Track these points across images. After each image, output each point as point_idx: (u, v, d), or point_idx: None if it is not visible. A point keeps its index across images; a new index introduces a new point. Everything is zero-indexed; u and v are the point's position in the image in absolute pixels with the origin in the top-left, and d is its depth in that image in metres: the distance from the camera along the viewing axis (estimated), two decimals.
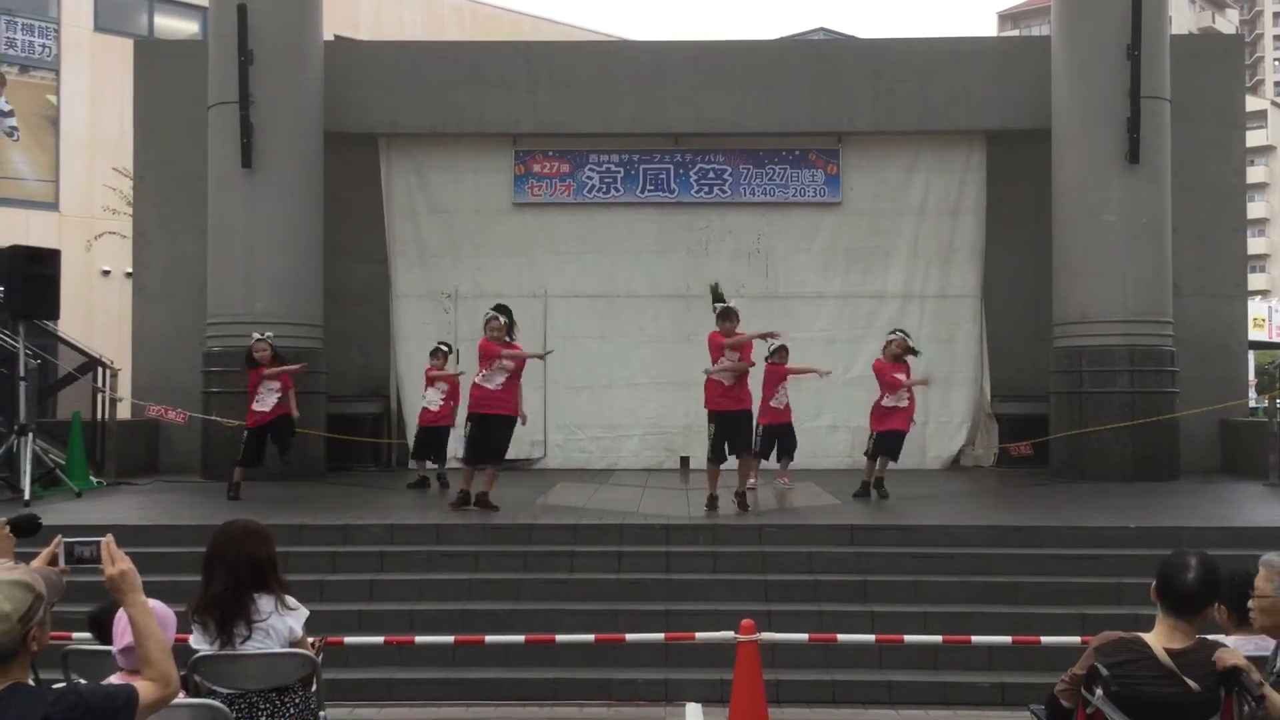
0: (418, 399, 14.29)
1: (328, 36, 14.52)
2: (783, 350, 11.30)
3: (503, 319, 9.61)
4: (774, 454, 11.55)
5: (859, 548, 8.45)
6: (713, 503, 9.50)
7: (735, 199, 14.59)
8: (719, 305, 9.76)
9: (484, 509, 9.43)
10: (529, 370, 13.68)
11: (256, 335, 10.99)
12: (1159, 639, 3.65)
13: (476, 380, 9.64)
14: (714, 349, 9.60)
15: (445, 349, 12.10)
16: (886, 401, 10.51)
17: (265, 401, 10.73)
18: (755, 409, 10.21)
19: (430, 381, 11.82)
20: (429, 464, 11.99)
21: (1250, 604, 3.85)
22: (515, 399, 9.66)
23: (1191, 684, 3.54)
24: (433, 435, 11.84)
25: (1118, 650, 3.65)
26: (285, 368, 10.84)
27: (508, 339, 9.63)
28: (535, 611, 7.74)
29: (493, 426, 9.55)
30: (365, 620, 7.65)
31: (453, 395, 11.74)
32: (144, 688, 2.90)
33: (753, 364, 9.79)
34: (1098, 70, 12.55)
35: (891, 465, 10.82)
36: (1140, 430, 12.21)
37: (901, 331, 10.93)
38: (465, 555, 8.43)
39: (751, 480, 10.38)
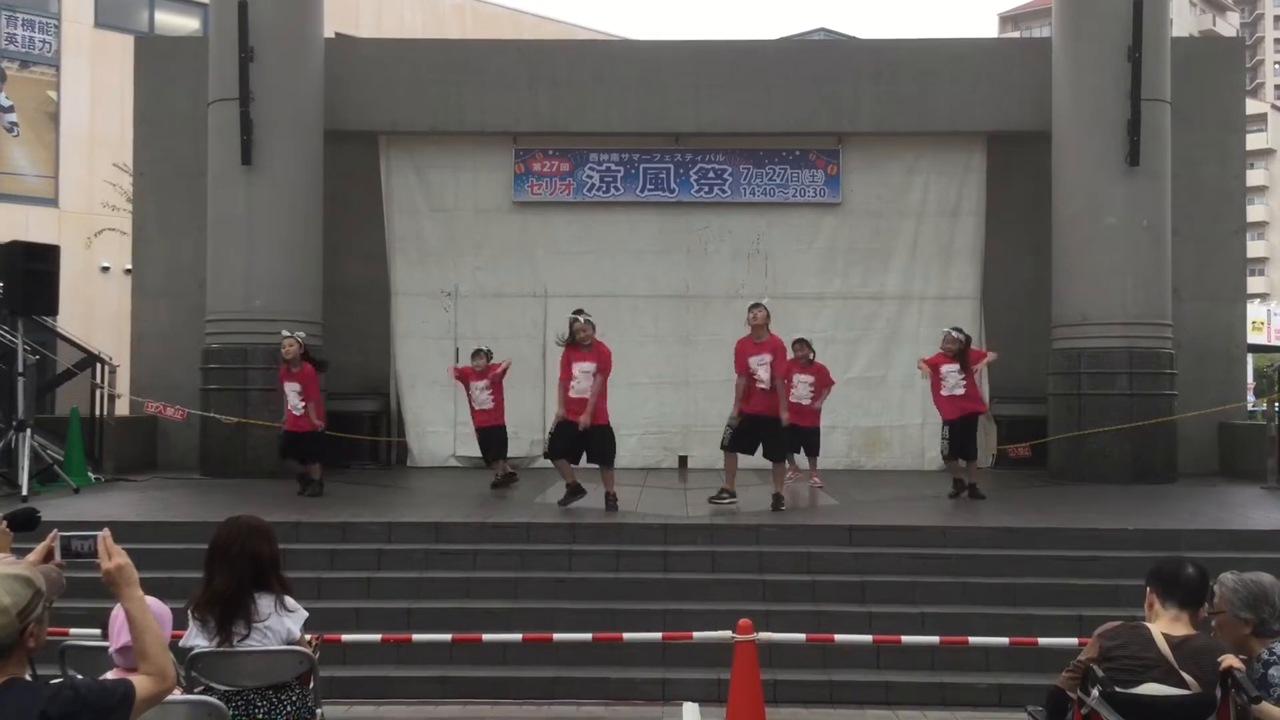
0: (417, 397, 14.35)
1: (328, 34, 14.51)
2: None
3: (584, 319, 9.67)
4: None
5: (857, 548, 8.46)
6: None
7: (735, 199, 14.58)
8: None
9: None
10: (527, 371, 13.74)
11: (285, 333, 10.93)
12: (1160, 627, 3.77)
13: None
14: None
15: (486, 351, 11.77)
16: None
17: (291, 403, 10.72)
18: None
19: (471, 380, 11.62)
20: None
21: (1213, 620, 3.93)
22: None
23: (1189, 679, 3.58)
24: (488, 435, 11.69)
25: (1120, 633, 3.76)
26: (301, 379, 10.63)
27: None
28: (533, 610, 7.74)
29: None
30: (363, 618, 7.65)
31: (496, 391, 11.56)
32: (140, 683, 2.89)
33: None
34: (1098, 72, 12.56)
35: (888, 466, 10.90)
36: (1139, 433, 12.22)
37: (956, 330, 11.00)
38: (463, 553, 8.43)
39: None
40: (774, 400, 9.67)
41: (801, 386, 11.35)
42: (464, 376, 11.69)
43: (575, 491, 9.64)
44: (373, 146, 14.54)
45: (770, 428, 9.74)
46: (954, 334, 10.82)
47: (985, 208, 14.39)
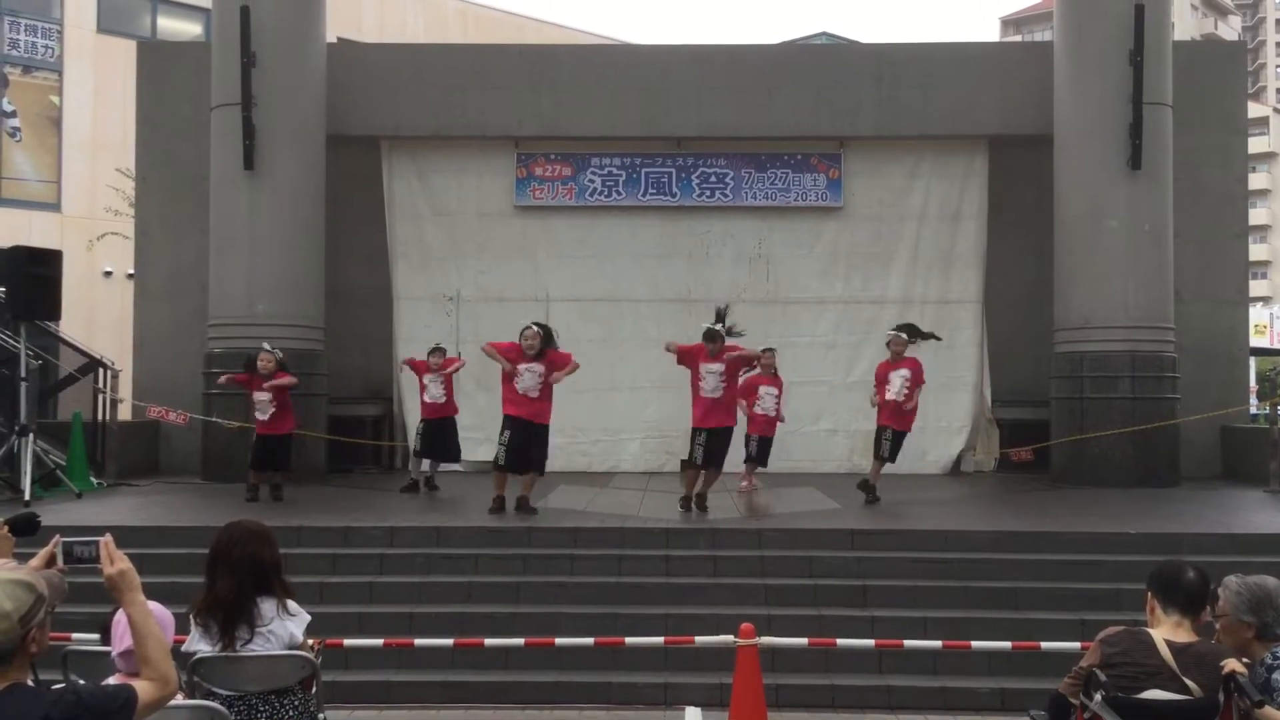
0: (418, 400, 14.32)
1: (330, 39, 14.52)
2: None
3: (535, 328, 9.60)
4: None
5: (859, 552, 8.45)
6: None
7: (737, 203, 14.59)
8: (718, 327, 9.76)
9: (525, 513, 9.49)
10: None
11: (266, 346, 10.95)
12: (1162, 633, 3.76)
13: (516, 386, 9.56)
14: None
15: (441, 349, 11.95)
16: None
17: (263, 411, 10.74)
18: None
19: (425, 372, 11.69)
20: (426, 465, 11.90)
21: (1216, 624, 3.92)
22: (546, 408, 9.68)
23: (1191, 684, 3.57)
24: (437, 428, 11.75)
25: (1122, 640, 3.75)
26: (278, 382, 10.67)
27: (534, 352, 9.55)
28: (535, 614, 7.74)
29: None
30: (365, 622, 7.65)
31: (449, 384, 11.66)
32: (143, 688, 2.89)
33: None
34: (1100, 76, 12.56)
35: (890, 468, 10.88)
36: (1141, 436, 12.21)
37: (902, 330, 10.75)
38: (465, 558, 8.43)
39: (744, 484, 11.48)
40: (731, 409, 9.89)
41: (767, 399, 11.32)
42: (416, 369, 11.77)
43: (503, 505, 9.64)
44: (375, 151, 14.56)
45: (726, 439, 9.90)
46: (902, 336, 10.46)
47: (987, 211, 14.39)
